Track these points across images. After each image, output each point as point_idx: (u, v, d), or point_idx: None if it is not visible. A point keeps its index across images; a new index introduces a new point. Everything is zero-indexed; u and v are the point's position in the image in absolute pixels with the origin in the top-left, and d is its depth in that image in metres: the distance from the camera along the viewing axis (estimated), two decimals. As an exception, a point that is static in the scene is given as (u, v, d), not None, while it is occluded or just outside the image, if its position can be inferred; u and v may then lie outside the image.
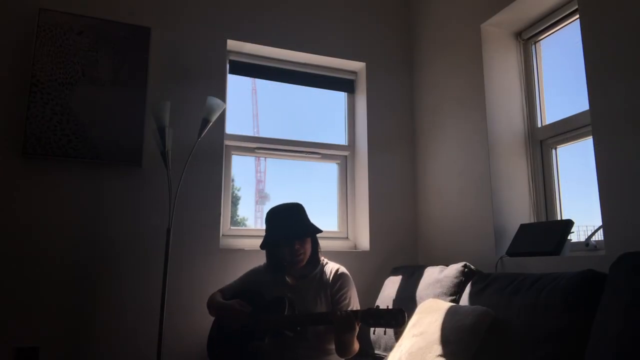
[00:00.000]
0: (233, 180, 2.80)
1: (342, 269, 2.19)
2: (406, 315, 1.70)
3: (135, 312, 2.31)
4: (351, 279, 2.18)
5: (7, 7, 2.32)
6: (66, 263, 2.25)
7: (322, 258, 2.24)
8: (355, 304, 2.13)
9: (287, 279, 2.16)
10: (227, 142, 2.74)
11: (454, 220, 2.59)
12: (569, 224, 1.96)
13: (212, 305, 2.13)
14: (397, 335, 2.00)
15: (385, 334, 1.86)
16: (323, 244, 2.25)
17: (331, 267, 2.19)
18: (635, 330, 1.22)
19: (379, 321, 1.74)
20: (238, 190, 2.88)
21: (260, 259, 2.33)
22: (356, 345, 1.98)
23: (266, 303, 2.06)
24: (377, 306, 1.78)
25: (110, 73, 2.40)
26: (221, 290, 2.21)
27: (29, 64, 2.29)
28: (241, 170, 2.87)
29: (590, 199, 1.96)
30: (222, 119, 2.59)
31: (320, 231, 2.16)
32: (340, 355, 2.00)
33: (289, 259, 2.10)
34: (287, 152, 2.92)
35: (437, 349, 1.69)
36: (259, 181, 2.99)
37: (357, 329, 1.88)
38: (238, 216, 2.90)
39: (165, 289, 2.15)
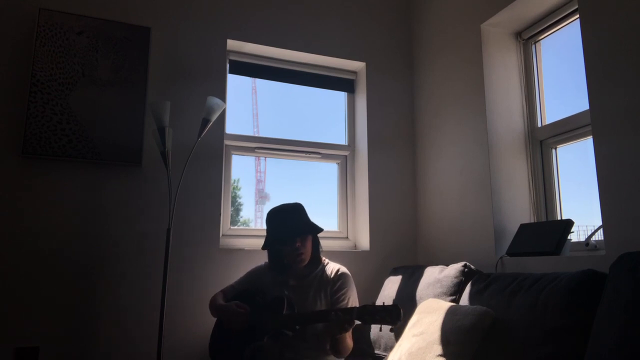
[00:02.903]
0: (237, 181, 2.80)
1: (343, 269, 2.19)
2: (401, 311, 1.69)
3: (135, 312, 2.31)
4: (352, 279, 2.18)
5: (7, 7, 2.32)
6: (66, 263, 2.25)
7: (323, 258, 2.24)
8: (354, 305, 2.12)
9: (288, 278, 2.17)
10: (227, 142, 2.74)
11: (454, 220, 2.59)
12: (569, 224, 1.96)
13: (213, 307, 2.15)
14: (397, 335, 2.00)
15: (380, 330, 1.85)
16: (323, 243, 2.25)
17: (332, 267, 2.20)
18: (635, 330, 1.22)
19: (374, 317, 1.73)
20: (238, 190, 2.88)
21: (260, 259, 2.34)
22: (350, 344, 1.99)
23: (266, 302, 2.06)
24: (373, 303, 1.78)
25: (110, 73, 2.40)
26: (223, 291, 2.22)
27: (29, 64, 2.29)
28: (241, 170, 2.87)
29: (590, 199, 1.96)
30: (222, 118, 2.59)
31: (321, 230, 2.16)
32: (335, 354, 2.00)
33: (291, 257, 2.10)
34: (287, 152, 2.92)
35: (437, 349, 1.69)
36: (259, 181, 2.99)
37: (352, 326, 1.87)
38: (241, 217, 2.90)
39: (165, 289, 2.15)
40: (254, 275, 2.27)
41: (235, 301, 2.08)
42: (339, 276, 2.15)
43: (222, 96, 2.62)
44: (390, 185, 2.92)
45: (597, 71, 1.82)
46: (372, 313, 1.74)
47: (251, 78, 2.97)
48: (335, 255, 2.47)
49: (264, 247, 2.18)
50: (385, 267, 2.74)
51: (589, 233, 2.00)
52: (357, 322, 1.81)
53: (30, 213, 2.23)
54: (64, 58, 2.33)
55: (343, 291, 2.11)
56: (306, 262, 2.14)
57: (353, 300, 2.13)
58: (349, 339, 1.97)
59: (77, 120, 2.31)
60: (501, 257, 2.18)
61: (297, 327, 1.97)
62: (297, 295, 2.10)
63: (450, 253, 2.57)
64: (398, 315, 1.68)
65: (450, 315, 1.79)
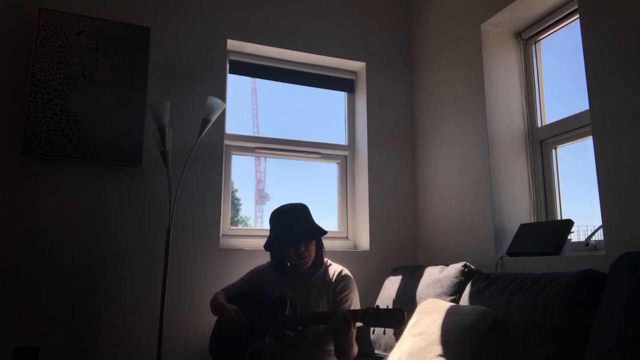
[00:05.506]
0: (232, 182, 2.80)
1: (346, 271, 2.18)
2: (406, 315, 1.70)
3: (135, 312, 2.31)
4: (354, 281, 2.17)
5: (7, 7, 2.32)
6: (66, 263, 2.25)
7: (325, 259, 2.23)
8: (356, 307, 2.11)
9: (290, 279, 2.16)
10: (227, 142, 2.74)
11: (454, 220, 2.59)
12: (569, 224, 1.96)
13: (213, 305, 2.14)
14: (397, 335, 2.00)
15: (384, 333, 1.86)
16: (323, 243, 2.25)
17: (334, 269, 2.19)
18: (635, 330, 1.22)
19: (378, 321, 1.73)
20: (236, 192, 2.88)
21: (260, 259, 2.34)
22: (355, 349, 1.97)
23: (268, 302, 2.06)
24: (377, 306, 1.78)
25: (110, 73, 2.40)
26: (225, 290, 2.22)
27: (29, 64, 2.29)
28: (241, 170, 2.87)
29: (590, 199, 1.96)
30: (222, 118, 2.59)
31: (325, 232, 2.15)
32: (339, 359, 1.99)
33: (294, 261, 2.10)
34: (287, 152, 2.92)
35: (437, 349, 1.69)
36: (259, 181, 2.99)
37: (355, 330, 1.87)
38: (239, 217, 2.90)
39: (165, 289, 2.15)
40: (256, 274, 2.26)
41: (236, 307, 2.06)
42: (342, 278, 2.14)
43: (222, 96, 2.62)
44: (390, 185, 2.92)
45: (597, 71, 1.82)
46: (376, 316, 1.74)
47: (251, 78, 2.97)
48: (335, 255, 2.47)
49: (266, 247, 2.18)
50: (385, 267, 2.74)
51: (589, 233, 2.00)
52: (360, 324, 1.81)
53: (30, 213, 2.23)
54: (64, 58, 2.33)
55: (345, 293, 2.11)
56: (309, 265, 2.13)
57: (355, 302, 2.13)
58: (353, 343, 1.94)
59: (77, 120, 2.31)
60: (501, 257, 2.18)
61: (299, 327, 1.96)
62: (300, 295, 2.10)
63: (450, 253, 2.57)
64: (402, 318, 1.68)
65: (450, 315, 1.79)
